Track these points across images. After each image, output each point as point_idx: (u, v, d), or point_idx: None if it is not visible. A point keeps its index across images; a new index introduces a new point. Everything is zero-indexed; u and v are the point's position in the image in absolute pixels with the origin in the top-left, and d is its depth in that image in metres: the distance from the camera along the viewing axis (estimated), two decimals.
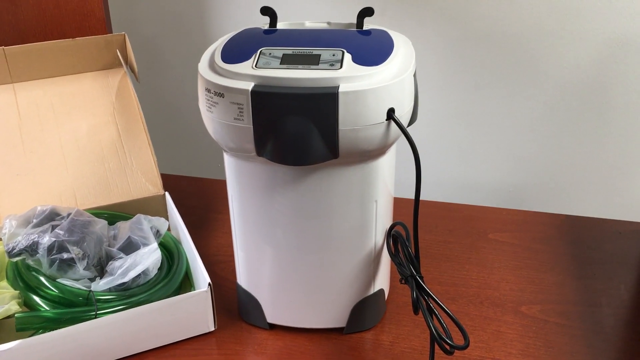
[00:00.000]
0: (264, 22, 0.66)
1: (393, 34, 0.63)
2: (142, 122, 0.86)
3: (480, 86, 1.06)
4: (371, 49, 0.58)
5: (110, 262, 0.68)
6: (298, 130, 0.54)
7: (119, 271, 0.66)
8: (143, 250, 0.67)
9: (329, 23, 0.66)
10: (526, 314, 0.70)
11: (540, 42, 1.00)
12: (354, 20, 0.64)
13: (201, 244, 0.82)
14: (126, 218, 0.77)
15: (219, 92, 0.55)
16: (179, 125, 1.24)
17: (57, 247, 0.65)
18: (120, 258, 0.68)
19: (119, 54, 0.88)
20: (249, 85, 0.54)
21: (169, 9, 1.14)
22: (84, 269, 0.66)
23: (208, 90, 0.56)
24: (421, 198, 0.86)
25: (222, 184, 0.98)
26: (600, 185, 1.06)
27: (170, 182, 0.86)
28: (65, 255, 0.65)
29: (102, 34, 0.91)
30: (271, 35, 0.62)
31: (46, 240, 0.65)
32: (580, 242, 0.82)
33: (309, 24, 0.66)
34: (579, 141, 1.05)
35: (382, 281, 0.68)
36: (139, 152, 0.84)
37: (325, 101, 0.53)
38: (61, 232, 0.66)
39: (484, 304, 0.71)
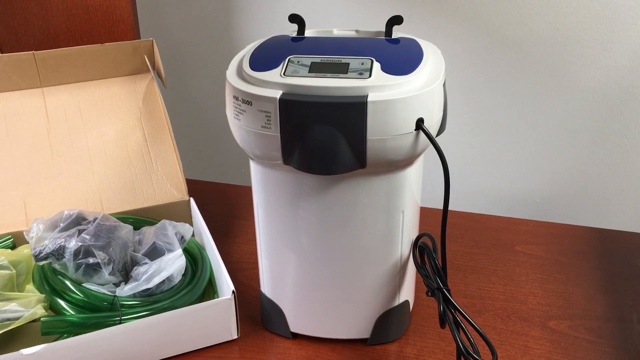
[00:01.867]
0: (292, 30, 0.66)
1: (422, 42, 0.62)
2: (169, 128, 0.86)
3: (506, 95, 1.05)
4: (400, 58, 0.58)
5: (135, 268, 0.68)
6: (325, 139, 0.54)
7: (144, 277, 0.66)
8: (168, 257, 0.67)
9: (357, 31, 0.66)
10: (554, 329, 0.68)
11: (570, 51, 0.99)
12: (383, 28, 0.64)
13: (225, 250, 0.82)
14: (151, 223, 0.78)
15: (247, 100, 0.55)
16: (205, 130, 1.25)
17: (84, 252, 0.65)
18: (145, 263, 0.68)
19: (146, 59, 0.88)
20: (277, 94, 0.54)
21: (196, 15, 1.14)
22: (109, 274, 0.66)
23: (236, 98, 0.56)
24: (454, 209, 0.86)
25: (247, 190, 0.98)
26: (631, 196, 1.04)
27: (194, 187, 0.86)
28: (91, 260, 0.65)
29: (130, 40, 0.91)
30: (299, 43, 0.62)
31: (72, 244, 0.65)
32: (610, 256, 0.80)
33: (337, 32, 0.66)
34: (609, 151, 1.03)
35: (407, 292, 0.67)
36: (164, 158, 0.84)
37: (353, 110, 0.53)
38: (87, 237, 0.66)
39: (511, 318, 0.70)
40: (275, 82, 0.54)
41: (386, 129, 0.54)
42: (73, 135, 0.84)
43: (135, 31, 0.92)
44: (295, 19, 0.65)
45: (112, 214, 0.77)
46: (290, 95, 0.53)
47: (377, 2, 1.05)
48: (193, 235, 0.79)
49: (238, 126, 0.57)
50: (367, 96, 0.53)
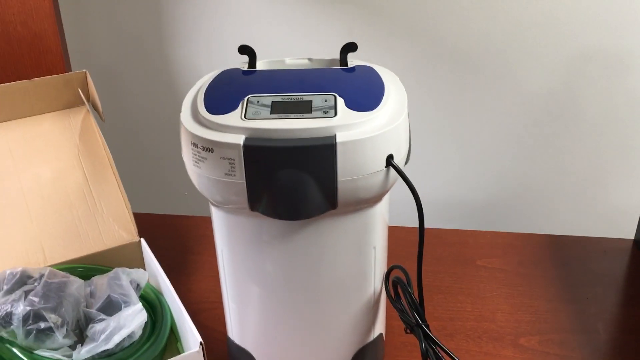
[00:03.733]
0: (242, 62, 0.63)
1: (379, 70, 0.60)
2: (110, 164, 0.81)
3: (447, 103, 1.05)
4: (362, 91, 0.56)
5: (90, 326, 0.63)
6: (295, 184, 0.51)
7: (102, 336, 0.61)
8: (127, 312, 0.63)
9: (310, 60, 0.63)
10: (526, 346, 0.69)
11: (508, 56, 1.00)
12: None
13: (182, 290, 0.78)
14: (102, 270, 0.73)
15: (208, 147, 0.51)
16: (146, 162, 1.19)
17: (33, 316, 0.60)
18: (101, 320, 0.63)
19: (80, 93, 0.82)
20: (240, 139, 0.50)
21: (127, 39, 1.09)
22: (63, 337, 0.61)
23: (195, 145, 0.52)
24: (403, 225, 0.85)
25: (197, 222, 0.95)
26: (571, 196, 1.06)
27: (140, 222, 0.81)
28: (42, 325, 0.60)
29: (60, 71, 0.85)
30: (254, 79, 0.59)
31: (20, 309, 0.59)
32: (567, 263, 0.81)
33: (289, 62, 0.63)
34: (550, 153, 1.05)
35: (381, 325, 0.66)
36: (108, 197, 0.79)
37: (323, 152, 0.50)
38: (36, 300, 0.61)
39: (483, 339, 0.70)
40: (236, 126, 0.51)
41: (357, 169, 0.51)
42: (5, 180, 0.78)
43: (65, 62, 0.86)
44: (245, 50, 0.61)
45: (58, 265, 0.72)
46: (255, 141, 0.50)
47: (313, 18, 1.03)
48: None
49: (198, 174, 0.54)
50: (335, 136, 0.50)
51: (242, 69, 0.61)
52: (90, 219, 0.77)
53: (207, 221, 0.94)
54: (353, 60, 0.63)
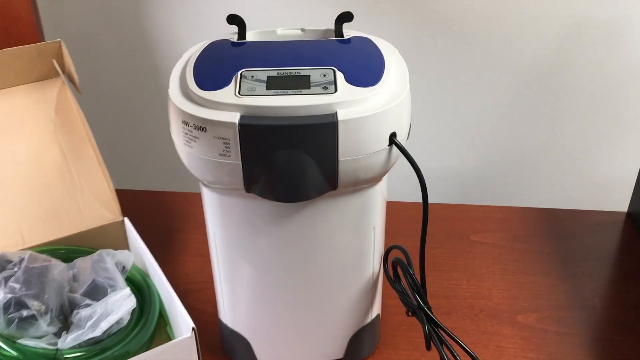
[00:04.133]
0: (231, 32, 0.59)
1: (377, 41, 0.57)
2: (90, 139, 0.77)
3: (438, 74, 1.03)
4: (362, 64, 0.53)
5: (75, 312, 0.60)
6: (294, 165, 0.48)
7: (89, 323, 0.58)
8: (114, 297, 0.60)
9: (303, 30, 0.60)
10: (524, 323, 0.68)
11: (500, 26, 0.97)
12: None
13: (169, 271, 0.75)
14: (84, 252, 0.69)
15: (200, 126, 0.48)
16: (127, 135, 1.14)
17: (15, 304, 0.57)
18: (87, 305, 0.60)
19: (55, 64, 0.77)
20: (235, 117, 0.47)
21: (102, 5, 1.03)
22: (47, 325, 0.58)
23: (186, 123, 0.49)
24: (395, 200, 0.83)
25: (180, 198, 0.92)
26: (566, 168, 1.05)
27: (122, 199, 0.77)
28: (25, 313, 0.57)
29: (32, 41, 0.80)
30: (246, 51, 0.55)
31: (0, 297, 0.56)
32: (561, 238, 0.80)
33: (281, 32, 0.60)
34: (543, 125, 1.03)
35: (378, 306, 0.64)
36: (89, 174, 0.75)
37: (324, 131, 0.47)
38: (17, 286, 0.57)
39: (480, 317, 0.69)
40: (230, 103, 0.48)
41: (359, 148, 0.49)
42: None
43: (38, 30, 0.81)
44: (234, 20, 0.58)
45: (37, 247, 0.68)
46: (251, 119, 0.47)
47: None
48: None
49: (190, 154, 0.50)
50: (336, 114, 0.47)
51: (232, 40, 0.58)
52: (70, 197, 0.74)
53: (191, 197, 0.92)
54: (348, 30, 0.59)
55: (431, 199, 0.93)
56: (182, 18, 1.02)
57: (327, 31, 0.60)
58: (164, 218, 0.86)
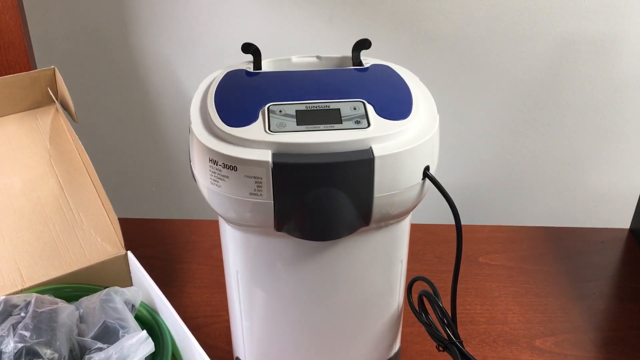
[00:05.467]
0: (247, 61, 0.57)
1: (398, 69, 0.56)
2: (87, 169, 0.73)
3: (431, 90, 1.02)
4: (389, 95, 0.52)
5: (87, 357, 0.57)
6: (328, 203, 0.47)
7: None
8: (130, 341, 0.57)
9: (318, 57, 0.58)
10: (542, 348, 0.67)
11: (492, 42, 0.97)
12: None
13: (173, 304, 0.72)
14: (89, 290, 0.66)
15: (231, 165, 0.46)
16: (123, 162, 1.11)
17: (26, 354, 0.53)
18: (99, 349, 0.57)
19: (49, 91, 0.74)
20: (267, 155, 0.45)
21: (92, 27, 0.99)
22: None
23: (214, 162, 0.47)
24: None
25: (177, 225, 0.89)
26: (559, 184, 1.06)
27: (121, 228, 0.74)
28: None
29: (24, 67, 0.77)
30: (266, 82, 0.53)
31: (11, 347, 0.53)
32: (568, 257, 0.80)
33: (296, 60, 0.58)
34: (536, 141, 1.04)
35: (399, 338, 0.62)
36: (88, 206, 0.72)
37: (360, 167, 0.46)
38: (27, 334, 0.54)
39: (498, 343, 0.68)
40: (262, 140, 0.46)
41: (394, 184, 0.47)
42: None
43: (29, 57, 0.78)
44: (249, 48, 0.56)
45: (39, 286, 0.65)
46: (284, 157, 0.45)
47: (293, 5, 0.97)
48: None
49: (217, 193, 0.48)
50: (371, 150, 0.46)
51: (247, 69, 0.56)
52: (69, 232, 0.70)
53: (192, 225, 0.89)
54: (365, 58, 0.58)
55: (431, 220, 0.93)
56: (177, 42, 0.99)
57: (343, 58, 0.58)
58: (164, 248, 0.83)
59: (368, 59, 0.58)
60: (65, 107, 0.76)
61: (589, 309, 0.72)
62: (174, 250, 0.82)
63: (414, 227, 0.85)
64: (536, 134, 1.03)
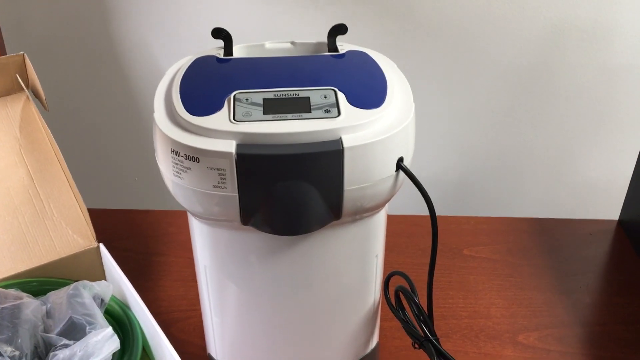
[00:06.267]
0: (216, 47, 0.54)
1: (374, 55, 0.54)
2: (58, 158, 0.71)
3: (420, 78, 1.00)
4: (363, 83, 0.49)
5: (52, 354, 0.55)
6: (296, 196, 0.44)
7: None
8: (95, 338, 0.55)
9: (292, 43, 0.56)
10: (525, 344, 0.65)
11: (481, 29, 0.95)
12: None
13: (148, 298, 0.70)
14: (58, 283, 0.64)
15: (193, 156, 0.44)
16: (96, 151, 1.08)
17: None
18: (64, 346, 0.55)
19: (19, 78, 0.72)
20: (231, 146, 0.43)
21: (66, 10, 0.96)
22: None
23: (176, 153, 0.45)
24: None
25: (155, 216, 0.86)
26: (548, 174, 1.04)
27: (92, 219, 0.71)
28: None
29: None
30: (235, 69, 0.51)
31: None
32: (555, 250, 0.78)
33: (269, 46, 0.56)
34: (525, 130, 1.02)
35: (377, 334, 0.61)
36: (58, 197, 0.70)
37: (328, 159, 0.44)
38: None
39: (480, 338, 0.66)
40: (226, 130, 0.43)
41: (365, 176, 0.45)
42: None
43: None
44: (220, 33, 0.53)
45: (5, 280, 0.63)
46: (249, 148, 0.43)
47: None
48: None
49: (180, 185, 0.46)
50: (341, 140, 0.44)
51: (217, 55, 0.53)
52: (39, 224, 0.68)
53: (169, 216, 0.87)
54: (342, 44, 0.56)
55: (416, 211, 0.90)
56: (155, 25, 0.96)
57: (319, 44, 0.56)
58: (140, 240, 0.80)
59: (345, 45, 0.56)
60: (36, 94, 0.73)
61: (575, 303, 0.71)
62: (150, 242, 0.80)
63: (397, 219, 0.83)
64: (525, 123, 1.01)
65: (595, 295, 0.72)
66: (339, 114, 0.45)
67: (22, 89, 0.73)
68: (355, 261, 0.52)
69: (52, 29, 0.97)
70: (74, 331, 0.57)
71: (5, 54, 0.74)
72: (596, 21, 0.92)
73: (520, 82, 0.98)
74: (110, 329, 0.56)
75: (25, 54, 0.71)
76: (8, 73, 0.72)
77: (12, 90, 0.73)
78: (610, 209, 0.88)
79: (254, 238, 0.48)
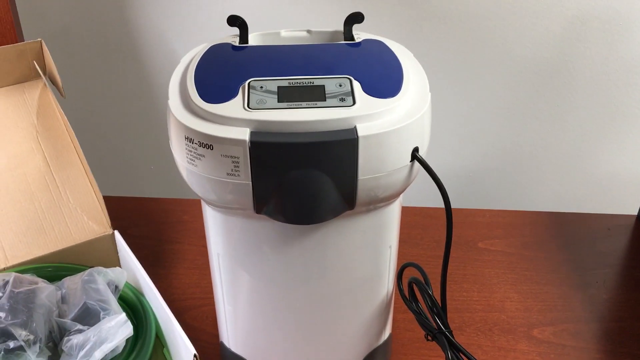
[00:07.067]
0: (231, 35, 0.54)
1: (391, 45, 0.53)
2: (75, 146, 0.71)
3: (438, 70, 0.99)
4: (379, 72, 0.49)
5: (66, 339, 0.55)
6: (309, 185, 0.44)
7: (81, 353, 0.54)
8: (109, 324, 0.55)
9: (309, 32, 0.55)
10: (540, 338, 0.65)
11: (501, 21, 0.93)
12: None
13: (162, 286, 0.71)
14: (73, 269, 0.65)
15: (207, 144, 0.44)
16: (113, 138, 1.09)
17: (1, 335, 0.52)
18: (78, 331, 0.56)
19: (36, 65, 0.72)
20: (245, 133, 0.43)
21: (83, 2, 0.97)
22: (36, 356, 0.53)
23: (190, 140, 0.45)
24: None
25: (170, 205, 0.87)
26: (567, 167, 1.02)
27: (108, 207, 0.72)
28: (12, 344, 0.52)
29: (11, 40, 0.75)
30: (250, 57, 0.51)
31: None
32: (572, 244, 0.78)
33: (285, 34, 0.55)
34: (544, 123, 1.00)
35: (390, 326, 0.60)
36: (74, 184, 0.70)
37: (343, 148, 0.43)
38: (2, 315, 0.52)
39: (494, 332, 0.65)
40: (240, 118, 0.43)
41: (380, 166, 0.45)
42: None
43: (16, 29, 0.75)
44: (235, 21, 0.53)
45: (21, 265, 0.64)
46: (262, 135, 0.43)
47: None
48: None
49: (193, 172, 0.46)
50: (355, 129, 0.43)
51: (233, 43, 0.53)
52: (55, 210, 0.69)
53: (184, 204, 0.87)
54: (358, 32, 0.55)
55: (431, 203, 0.90)
56: (172, 14, 0.96)
57: (335, 33, 0.55)
58: (156, 228, 0.81)
59: (361, 34, 0.55)
60: (53, 81, 0.74)
61: (591, 298, 0.70)
62: (165, 230, 0.80)
63: (412, 210, 0.83)
64: (543, 116, 1.00)
65: (611, 290, 0.71)
66: (354, 102, 0.44)
67: (40, 75, 0.73)
68: (368, 252, 0.52)
69: (70, 17, 0.97)
70: (88, 317, 0.58)
71: (23, 41, 0.74)
72: (617, 11, 0.90)
73: (539, 74, 0.97)
74: (123, 315, 0.56)
75: (43, 41, 0.72)
76: (25, 60, 0.72)
77: (30, 77, 0.74)
78: (629, 204, 0.86)
79: (267, 227, 0.48)
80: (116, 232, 0.69)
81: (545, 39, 0.94)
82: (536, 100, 0.99)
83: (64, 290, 0.61)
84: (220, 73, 0.48)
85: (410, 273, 0.56)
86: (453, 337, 0.51)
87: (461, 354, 0.51)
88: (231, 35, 0.55)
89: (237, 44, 0.53)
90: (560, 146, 1.01)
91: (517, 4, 0.92)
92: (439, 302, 0.53)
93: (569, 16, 0.91)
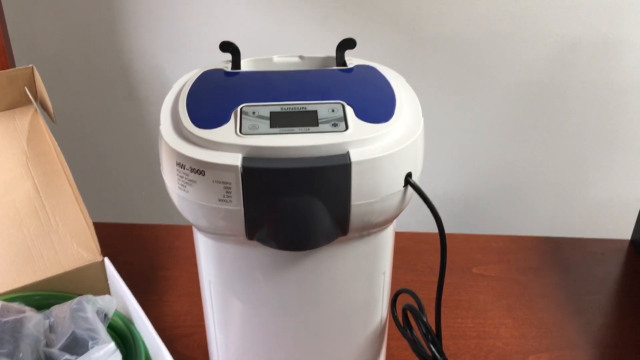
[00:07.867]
0: (224, 60, 0.54)
1: (382, 70, 0.53)
2: (65, 172, 0.71)
3: (427, 95, 0.99)
4: (371, 97, 0.49)
5: None
6: (302, 211, 0.44)
7: None
8: (97, 353, 0.54)
9: (301, 57, 0.55)
10: None
11: (488, 48, 0.94)
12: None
13: (152, 314, 0.69)
14: (62, 297, 0.63)
15: (198, 169, 0.43)
16: (103, 164, 1.08)
17: None
18: None
19: (27, 91, 0.72)
20: (237, 159, 0.42)
21: (75, 29, 0.97)
22: None
23: (181, 166, 0.44)
24: None
25: (161, 231, 0.86)
26: (559, 192, 1.03)
27: (99, 233, 0.71)
28: None
29: (2, 66, 0.74)
30: (243, 82, 0.51)
31: None
32: (566, 269, 0.77)
33: (277, 60, 0.55)
34: (534, 148, 1.01)
35: (384, 352, 0.59)
36: (64, 211, 0.69)
37: (335, 173, 0.43)
38: None
39: (489, 358, 0.65)
40: (232, 143, 0.43)
41: (373, 191, 0.45)
42: None
43: (7, 56, 0.75)
44: (227, 47, 0.53)
45: (9, 293, 0.62)
46: (255, 161, 0.43)
47: (285, 5, 0.94)
48: None
49: (184, 199, 0.46)
50: (348, 154, 0.43)
51: (225, 69, 0.53)
52: (44, 237, 0.68)
53: (175, 230, 0.86)
54: (350, 58, 0.55)
55: (424, 228, 0.89)
56: (164, 39, 0.96)
57: (327, 58, 0.55)
58: (147, 254, 0.80)
59: (353, 59, 0.55)
60: (44, 107, 0.73)
61: (587, 324, 0.69)
62: (155, 256, 0.79)
63: (405, 236, 0.82)
64: (535, 140, 1.00)
65: (607, 316, 0.70)
66: (347, 127, 0.44)
67: (31, 101, 0.73)
68: (362, 278, 0.51)
69: (61, 42, 0.97)
70: (77, 346, 0.57)
71: (15, 67, 0.74)
72: (608, 37, 0.91)
73: (531, 98, 0.97)
74: (113, 344, 0.55)
75: (34, 67, 0.71)
76: (17, 85, 0.72)
77: (21, 102, 0.73)
78: (622, 228, 0.86)
79: (260, 253, 0.47)
80: (106, 259, 0.68)
81: (536, 65, 0.95)
82: (528, 125, 0.99)
83: (52, 319, 0.59)
84: (213, 98, 0.48)
85: (404, 299, 0.55)
86: None
87: None
88: (224, 61, 0.55)
89: (229, 69, 0.53)
90: (553, 171, 1.01)
91: (508, 30, 0.93)
92: (434, 329, 0.52)
93: (560, 42, 0.92)
